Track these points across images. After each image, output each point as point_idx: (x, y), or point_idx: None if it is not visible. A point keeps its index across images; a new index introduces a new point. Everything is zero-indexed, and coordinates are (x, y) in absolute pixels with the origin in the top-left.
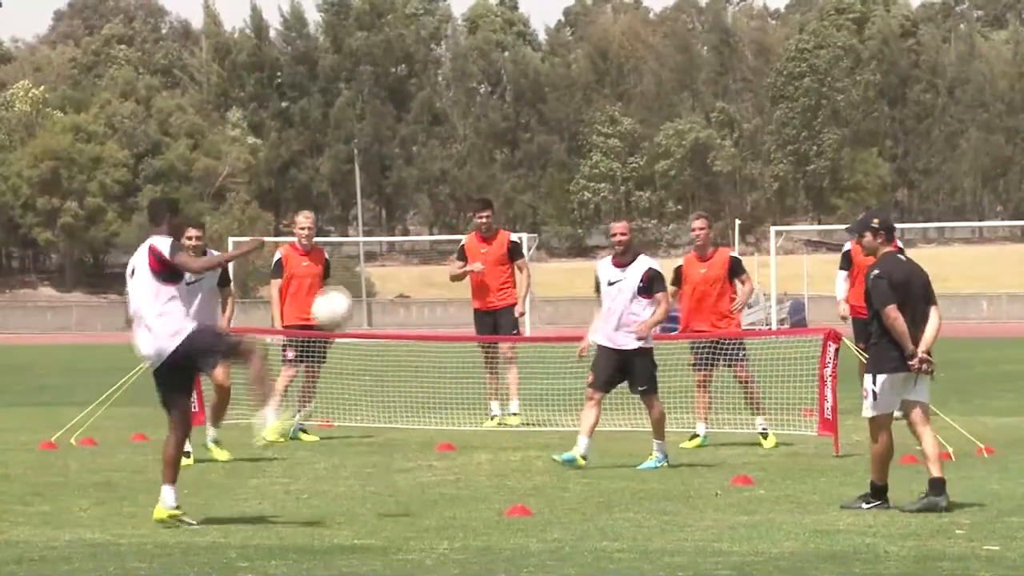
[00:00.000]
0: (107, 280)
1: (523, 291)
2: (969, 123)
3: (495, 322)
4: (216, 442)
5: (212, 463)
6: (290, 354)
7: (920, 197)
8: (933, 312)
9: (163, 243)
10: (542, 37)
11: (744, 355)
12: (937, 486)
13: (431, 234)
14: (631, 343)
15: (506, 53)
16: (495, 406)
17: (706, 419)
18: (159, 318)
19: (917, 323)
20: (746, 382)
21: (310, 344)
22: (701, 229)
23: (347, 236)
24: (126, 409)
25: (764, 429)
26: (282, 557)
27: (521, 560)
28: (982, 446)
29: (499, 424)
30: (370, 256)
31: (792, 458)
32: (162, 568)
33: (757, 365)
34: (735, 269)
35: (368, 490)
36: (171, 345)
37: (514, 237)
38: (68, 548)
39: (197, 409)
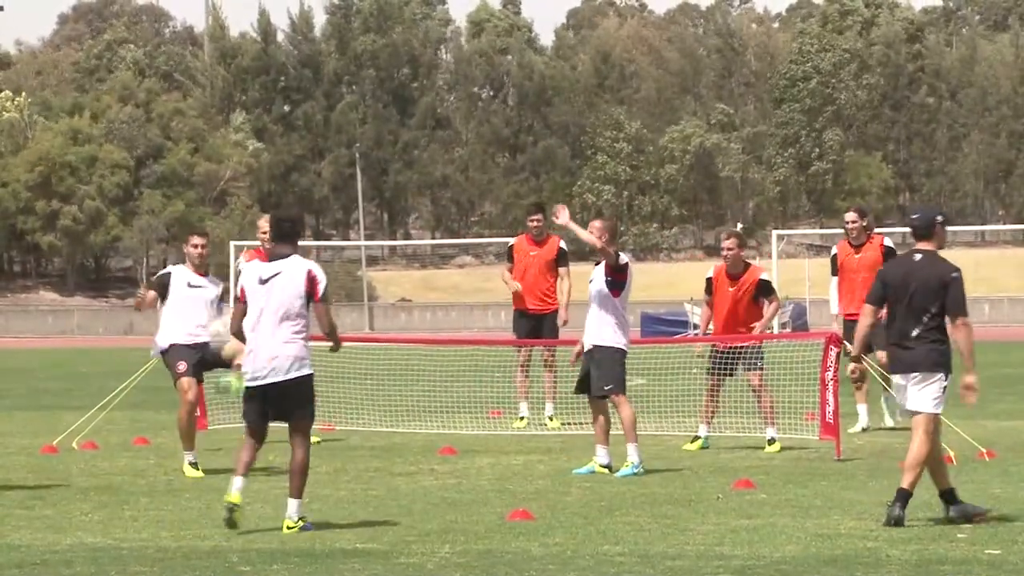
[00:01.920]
0: (108, 284)
1: (564, 298)
2: (972, 126)
3: (538, 326)
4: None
5: (213, 468)
6: None
7: (922, 200)
8: (959, 324)
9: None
10: (545, 42)
11: (762, 364)
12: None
13: (433, 238)
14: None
15: (509, 57)
16: (524, 407)
17: (709, 422)
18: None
19: (906, 322)
20: (760, 390)
21: None
22: (730, 249)
23: (348, 240)
24: (127, 413)
25: (773, 437)
26: (284, 561)
27: (523, 564)
28: (983, 450)
29: (527, 425)
30: (371, 260)
31: (794, 462)
32: (163, 572)
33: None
34: (762, 290)
35: (370, 494)
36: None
37: (563, 244)
38: (69, 552)
39: (199, 414)
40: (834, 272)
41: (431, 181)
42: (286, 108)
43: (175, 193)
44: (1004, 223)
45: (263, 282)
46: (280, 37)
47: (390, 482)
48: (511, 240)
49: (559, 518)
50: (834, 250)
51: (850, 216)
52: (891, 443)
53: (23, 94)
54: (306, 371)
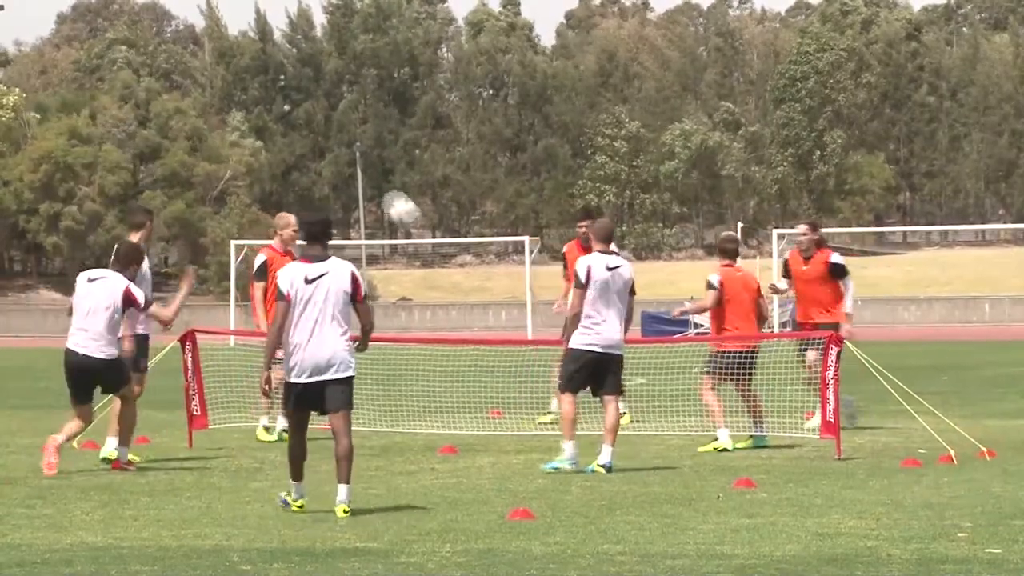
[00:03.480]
0: None
1: None
2: (972, 126)
3: None
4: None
5: (214, 467)
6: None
7: (923, 200)
8: None
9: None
10: (544, 41)
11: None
12: None
13: (433, 237)
14: None
15: (508, 56)
16: (555, 404)
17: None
18: None
19: None
20: (749, 393)
21: None
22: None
23: (349, 239)
24: None
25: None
26: (284, 560)
27: (523, 563)
28: (984, 449)
29: (553, 422)
30: (372, 259)
31: (794, 461)
32: (164, 571)
33: (760, 368)
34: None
35: (370, 493)
36: None
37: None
38: (70, 551)
39: (200, 413)
40: (785, 276)
41: (432, 180)
42: (286, 107)
43: (175, 193)
44: (1005, 222)
45: (309, 282)
46: (279, 36)
47: (390, 481)
48: (510, 239)
49: (559, 517)
50: (786, 254)
51: (802, 228)
52: (891, 442)
53: (17, 90)
54: (351, 372)
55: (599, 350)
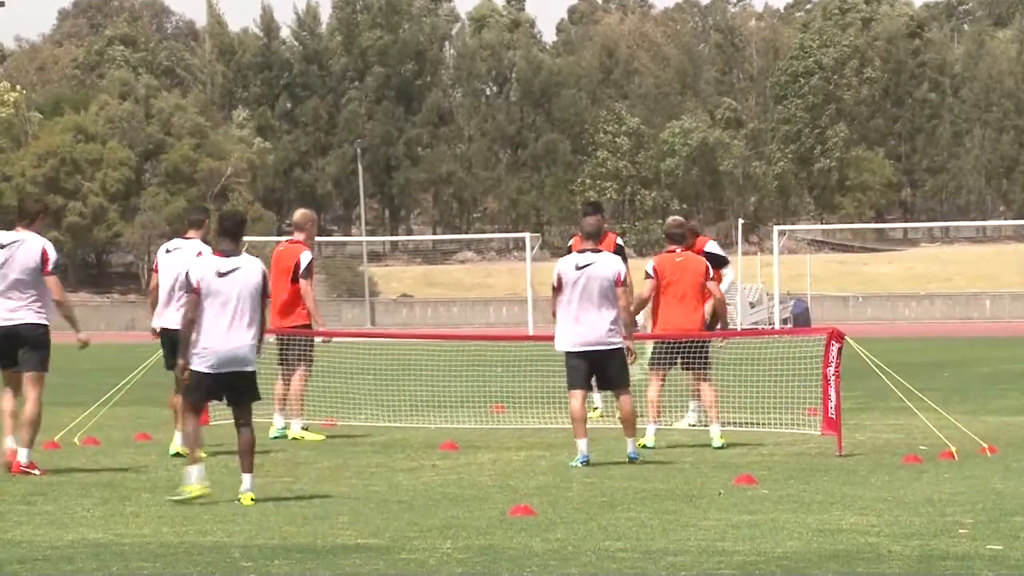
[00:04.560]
0: (110, 280)
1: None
2: (974, 122)
3: None
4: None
5: (215, 464)
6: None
7: (924, 196)
8: None
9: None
10: (546, 38)
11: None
12: None
13: (434, 234)
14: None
15: (511, 52)
16: (597, 397)
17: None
18: None
19: None
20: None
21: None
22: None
23: (350, 236)
24: (129, 409)
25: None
26: (285, 556)
27: (524, 560)
28: (985, 445)
29: (602, 416)
30: (373, 256)
31: (795, 457)
32: (165, 567)
33: (761, 364)
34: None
35: (371, 489)
36: None
37: (620, 241)
38: (71, 548)
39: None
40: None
41: (436, 178)
42: (288, 105)
43: (177, 190)
44: (1006, 219)
45: (221, 276)
46: (286, 33)
47: (391, 478)
48: (511, 236)
49: (560, 514)
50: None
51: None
52: (892, 439)
53: (18, 87)
54: (255, 367)
55: (580, 348)
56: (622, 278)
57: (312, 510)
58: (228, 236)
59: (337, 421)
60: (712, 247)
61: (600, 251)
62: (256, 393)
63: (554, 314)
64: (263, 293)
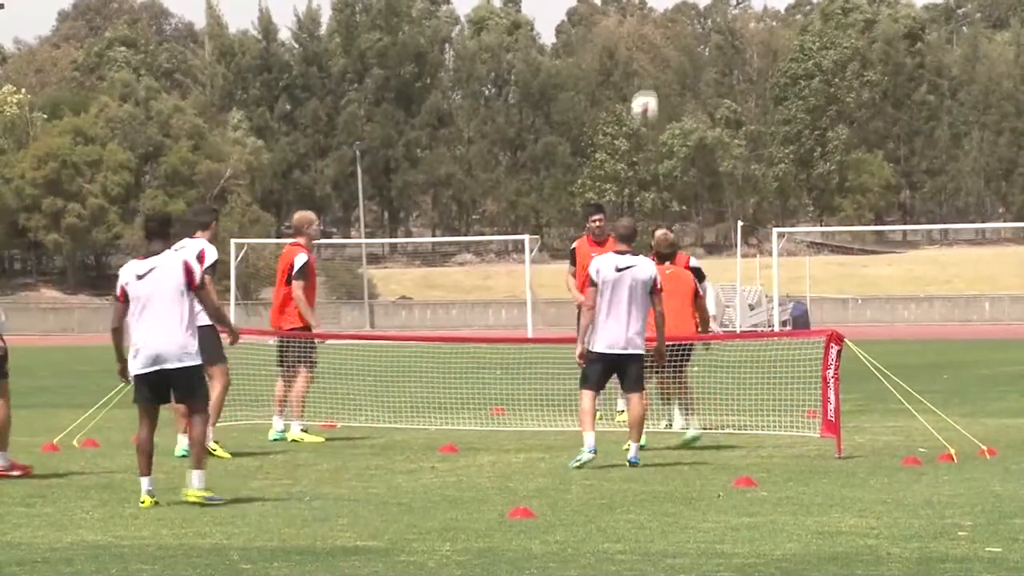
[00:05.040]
0: (109, 282)
1: None
2: (973, 124)
3: None
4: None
5: (213, 466)
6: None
7: (923, 198)
8: None
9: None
10: (545, 40)
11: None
12: None
13: (433, 236)
14: None
15: (510, 55)
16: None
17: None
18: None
19: None
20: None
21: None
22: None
23: (350, 238)
24: (128, 411)
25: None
26: (284, 559)
27: (523, 562)
28: (984, 448)
29: (602, 418)
30: (372, 258)
31: (794, 460)
32: (164, 569)
33: (760, 367)
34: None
35: (370, 492)
36: None
37: (695, 262)
38: (70, 550)
39: None
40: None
41: (435, 180)
42: (287, 106)
43: (177, 192)
44: (1005, 221)
45: (140, 278)
46: (285, 35)
47: (391, 480)
48: (510, 238)
49: (560, 516)
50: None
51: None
52: (891, 441)
53: (23, 91)
54: (195, 361)
55: (602, 350)
56: (658, 284)
57: (311, 512)
58: (155, 236)
59: (337, 423)
60: (694, 262)
61: (637, 254)
62: (202, 386)
63: (590, 307)
64: (187, 286)
